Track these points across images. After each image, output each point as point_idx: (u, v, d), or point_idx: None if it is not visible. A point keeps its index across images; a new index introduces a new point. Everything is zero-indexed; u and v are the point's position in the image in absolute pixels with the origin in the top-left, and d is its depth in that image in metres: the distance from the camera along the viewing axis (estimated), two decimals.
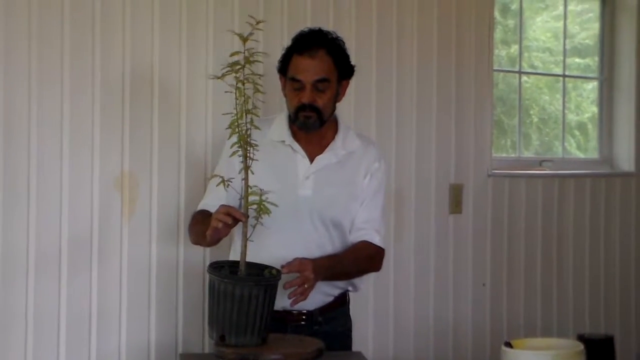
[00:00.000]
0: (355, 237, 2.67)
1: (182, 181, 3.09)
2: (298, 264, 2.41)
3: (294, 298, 2.40)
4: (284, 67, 2.64)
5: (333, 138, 2.68)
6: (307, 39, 2.61)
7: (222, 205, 2.40)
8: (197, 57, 3.12)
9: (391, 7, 3.59)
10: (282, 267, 2.39)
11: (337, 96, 2.66)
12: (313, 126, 2.60)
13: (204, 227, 2.49)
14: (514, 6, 4.21)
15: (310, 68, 2.56)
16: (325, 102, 2.59)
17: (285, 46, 2.66)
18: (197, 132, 3.13)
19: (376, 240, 2.67)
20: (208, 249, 3.08)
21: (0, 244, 2.81)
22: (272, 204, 2.29)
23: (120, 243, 3.00)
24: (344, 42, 2.67)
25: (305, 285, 2.41)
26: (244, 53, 2.24)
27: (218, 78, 2.27)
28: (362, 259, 2.66)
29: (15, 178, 2.83)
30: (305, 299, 2.43)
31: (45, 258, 2.87)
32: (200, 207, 2.67)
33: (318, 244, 2.61)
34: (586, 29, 4.51)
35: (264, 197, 2.27)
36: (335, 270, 2.57)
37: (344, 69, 2.65)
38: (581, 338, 2.34)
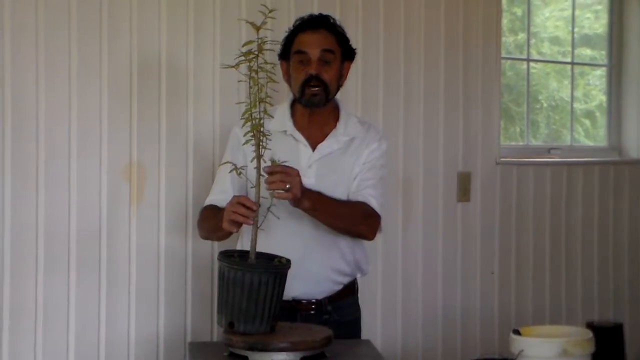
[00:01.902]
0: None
1: (190, 171, 3.10)
2: (283, 167, 2.34)
3: (278, 191, 2.32)
4: (285, 51, 2.64)
5: (335, 125, 2.68)
6: (310, 20, 2.65)
7: (235, 197, 2.41)
8: (205, 47, 3.12)
9: None
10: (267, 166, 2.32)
11: (341, 78, 2.67)
12: (319, 102, 2.60)
13: (214, 222, 2.50)
14: None
15: (315, 40, 2.59)
16: (331, 76, 2.60)
17: (286, 33, 2.67)
18: (205, 121, 3.13)
19: (373, 203, 2.62)
20: None
21: (10, 234, 2.82)
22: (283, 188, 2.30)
23: (128, 233, 3.00)
24: (343, 28, 2.69)
25: (287, 186, 2.32)
26: (257, 41, 2.24)
27: (232, 67, 2.27)
28: (357, 212, 2.61)
29: (24, 168, 2.84)
30: (288, 197, 2.34)
31: (54, 248, 2.88)
32: (208, 202, 2.68)
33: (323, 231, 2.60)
34: (595, 19, 4.49)
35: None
36: (323, 206, 2.50)
37: (346, 49, 2.66)
38: (590, 325, 2.34)
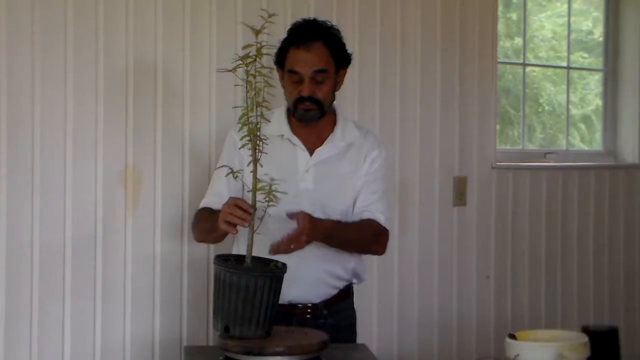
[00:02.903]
0: (358, 218, 2.65)
1: (186, 175, 3.10)
2: (303, 217, 2.38)
3: (277, 248, 2.36)
4: (280, 59, 2.63)
5: (332, 130, 2.68)
6: (303, 31, 2.61)
7: (231, 198, 2.41)
8: (201, 51, 3.12)
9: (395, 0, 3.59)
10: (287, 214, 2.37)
11: (336, 85, 2.66)
12: (313, 118, 2.60)
13: (209, 223, 2.50)
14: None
15: (308, 60, 2.56)
16: (324, 93, 2.59)
17: (282, 38, 2.66)
18: (201, 126, 3.13)
19: (381, 219, 2.64)
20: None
21: (5, 238, 2.81)
22: (282, 192, 2.28)
23: (124, 237, 3.00)
24: (339, 31, 2.67)
25: (292, 247, 2.37)
26: (256, 46, 2.24)
27: (229, 71, 2.26)
28: (368, 233, 2.64)
29: (20, 173, 2.83)
30: (285, 252, 2.38)
31: (49, 253, 2.87)
32: (203, 205, 2.67)
33: None
34: (592, 24, 4.50)
35: (273, 187, 2.27)
36: (336, 238, 2.54)
37: (341, 59, 2.65)
38: (585, 330, 2.34)
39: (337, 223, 2.57)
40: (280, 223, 2.45)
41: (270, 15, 2.27)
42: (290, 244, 2.38)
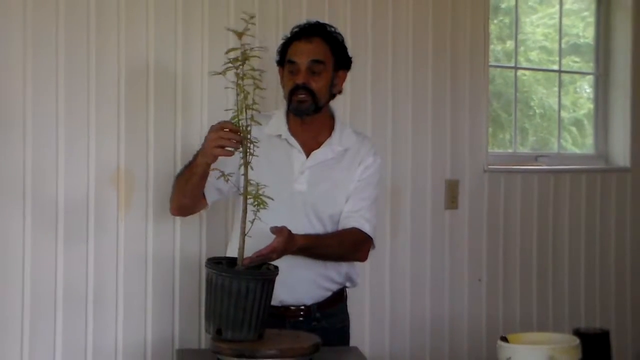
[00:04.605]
0: (344, 224, 2.66)
1: None
2: (279, 234, 2.36)
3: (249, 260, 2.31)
4: (282, 57, 2.66)
5: (330, 134, 2.69)
6: (306, 28, 2.66)
7: (219, 123, 2.34)
8: (193, 53, 3.12)
9: (387, 1, 3.59)
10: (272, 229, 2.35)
11: (334, 86, 2.67)
12: (307, 110, 2.61)
13: (188, 171, 2.53)
14: (509, 2, 4.21)
15: (306, 50, 2.60)
16: (320, 86, 2.61)
17: (283, 39, 2.69)
18: (193, 128, 3.12)
19: (366, 228, 2.65)
20: (204, 245, 3.10)
21: None
22: (268, 197, 2.28)
23: (116, 239, 2.99)
24: (342, 36, 2.70)
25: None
26: (241, 49, 2.24)
27: (219, 74, 2.27)
28: (347, 245, 2.64)
29: (11, 175, 2.83)
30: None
31: (41, 253, 2.86)
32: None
33: None
34: (583, 28, 4.51)
35: (260, 192, 2.27)
36: (312, 252, 2.55)
37: (340, 59, 2.67)
38: (577, 332, 2.34)
39: (316, 238, 2.58)
40: (273, 225, 2.45)
41: (251, 17, 2.27)
42: (261, 259, 2.35)
